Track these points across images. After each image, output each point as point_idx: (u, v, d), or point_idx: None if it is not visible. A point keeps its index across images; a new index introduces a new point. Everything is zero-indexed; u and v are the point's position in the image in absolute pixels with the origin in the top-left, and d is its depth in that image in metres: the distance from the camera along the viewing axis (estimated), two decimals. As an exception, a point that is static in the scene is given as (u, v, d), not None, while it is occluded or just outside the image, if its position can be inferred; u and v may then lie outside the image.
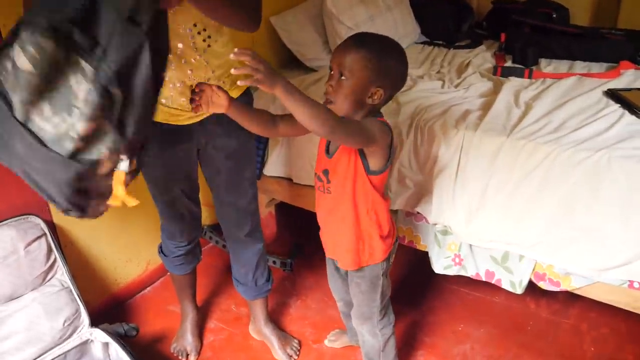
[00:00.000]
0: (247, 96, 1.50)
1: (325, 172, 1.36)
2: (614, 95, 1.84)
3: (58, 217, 1.77)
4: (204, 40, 1.32)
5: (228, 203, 1.63)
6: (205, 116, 1.41)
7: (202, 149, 1.50)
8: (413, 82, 2.11)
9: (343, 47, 1.24)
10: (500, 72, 2.18)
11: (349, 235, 1.39)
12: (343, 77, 1.22)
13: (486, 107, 1.82)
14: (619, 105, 1.77)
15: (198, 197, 1.65)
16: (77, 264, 1.87)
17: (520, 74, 2.13)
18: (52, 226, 1.74)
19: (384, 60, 1.23)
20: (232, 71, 1.05)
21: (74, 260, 1.84)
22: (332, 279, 1.64)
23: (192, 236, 1.71)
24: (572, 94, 1.91)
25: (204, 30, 1.31)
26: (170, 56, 1.23)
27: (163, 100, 1.33)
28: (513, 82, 2.05)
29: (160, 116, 1.37)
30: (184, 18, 1.26)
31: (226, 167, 1.55)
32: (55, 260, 1.67)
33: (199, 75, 1.34)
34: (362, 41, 1.23)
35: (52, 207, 1.74)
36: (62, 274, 1.67)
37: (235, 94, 1.44)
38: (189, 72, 1.32)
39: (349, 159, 1.30)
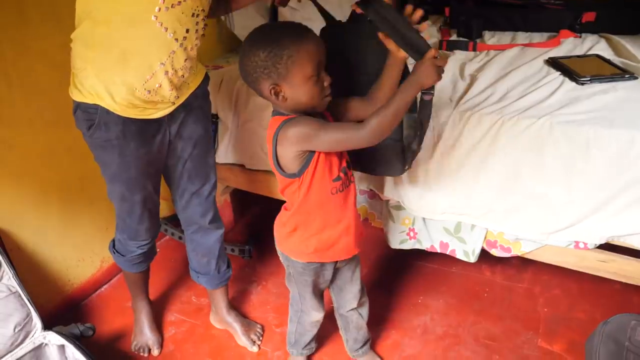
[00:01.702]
0: (207, 80, 1.51)
1: (343, 168, 1.31)
2: (554, 63, 1.89)
3: (1, 221, 1.70)
4: (203, 28, 1.31)
5: (191, 192, 1.60)
6: (177, 106, 1.39)
7: (172, 139, 1.47)
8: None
9: (316, 42, 1.17)
10: (446, 46, 2.21)
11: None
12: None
13: (432, 82, 1.84)
14: (559, 73, 1.82)
15: (159, 190, 1.62)
16: (26, 268, 1.80)
17: (465, 47, 2.16)
18: (-6, 230, 1.68)
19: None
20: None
21: (22, 264, 1.77)
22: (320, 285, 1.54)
23: (154, 232, 1.67)
24: (515, 64, 1.95)
25: (204, 16, 1.30)
26: (175, 43, 1.24)
27: (147, 93, 1.29)
28: (458, 56, 2.08)
29: (136, 112, 1.32)
30: (196, 3, 1.24)
31: (193, 155, 1.52)
32: (0, 266, 1.60)
33: (184, 64, 1.32)
34: (306, 29, 1.17)
35: (-7, 210, 1.67)
36: (8, 278, 1.61)
37: (199, 79, 1.45)
38: (184, 61, 1.30)
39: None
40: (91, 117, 1.31)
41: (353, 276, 1.52)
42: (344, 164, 1.30)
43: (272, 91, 1.18)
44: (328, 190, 1.28)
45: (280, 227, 1.41)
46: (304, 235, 1.35)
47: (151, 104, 1.33)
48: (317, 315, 1.58)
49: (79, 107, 1.33)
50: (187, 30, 1.25)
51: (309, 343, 1.68)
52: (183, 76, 1.33)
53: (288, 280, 1.54)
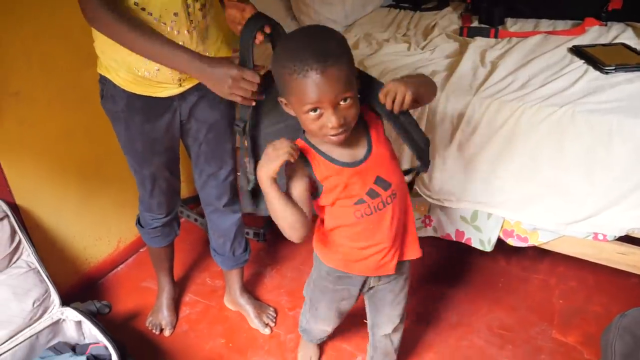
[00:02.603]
0: None
1: (379, 180, 1.17)
2: (578, 51, 1.85)
3: (21, 199, 1.73)
4: (200, 10, 1.29)
5: (208, 174, 1.61)
6: (187, 88, 1.38)
7: (185, 120, 1.47)
8: (379, 45, 2.09)
9: (322, 78, 1.00)
10: (467, 33, 2.17)
11: (412, 218, 1.30)
12: (348, 100, 1.04)
13: (452, 68, 1.82)
14: (583, 61, 1.78)
15: (178, 170, 1.63)
16: (45, 246, 1.83)
17: (486, 34, 2.13)
18: (14, 208, 1.70)
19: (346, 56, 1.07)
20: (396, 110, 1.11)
21: (41, 242, 1.80)
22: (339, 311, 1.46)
23: (169, 209, 1.69)
24: (538, 52, 1.92)
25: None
26: (171, 25, 1.24)
27: (146, 74, 1.29)
28: (479, 42, 2.04)
29: (141, 89, 1.33)
30: None
31: (208, 139, 1.53)
32: (20, 242, 1.63)
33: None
34: (326, 55, 1.00)
35: (14, 188, 1.69)
36: (28, 255, 1.64)
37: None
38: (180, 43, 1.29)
39: (383, 140, 1.18)
40: (102, 87, 1.38)
41: (395, 299, 1.40)
42: (373, 186, 1.17)
43: (283, 101, 1.11)
44: (351, 214, 1.18)
45: (319, 225, 1.30)
46: (337, 241, 1.26)
47: (155, 82, 1.33)
48: (325, 327, 1.51)
49: (99, 77, 1.39)
50: (176, 14, 1.24)
51: (320, 338, 1.63)
52: None
53: (307, 285, 1.46)
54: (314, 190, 1.17)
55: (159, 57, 1.19)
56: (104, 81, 1.37)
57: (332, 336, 1.67)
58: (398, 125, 1.15)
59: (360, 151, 1.15)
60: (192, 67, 1.18)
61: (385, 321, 1.45)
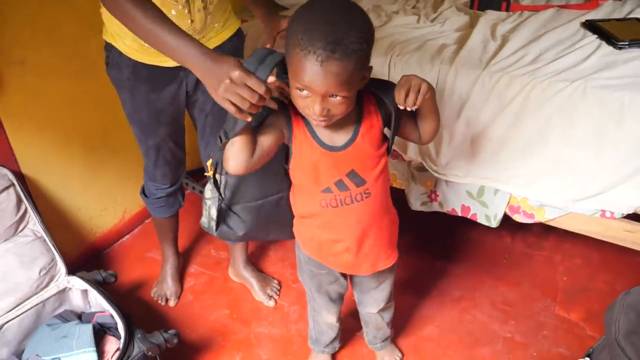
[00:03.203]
0: (238, 37, 1.46)
1: (352, 174, 1.12)
2: (591, 26, 1.81)
3: (26, 168, 1.72)
4: None
5: (214, 144, 1.60)
6: None
7: (191, 92, 1.46)
8: (388, 17, 2.05)
9: (321, 68, 0.93)
10: (477, 6, 2.12)
11: (391, 228, 1.27)
12: (338, 97, 0.99)
13: (462, 41, 1.79)
14: (596, 36, 1.75)
15: (183, 141, 1.62)
16: (51, 215, 1.84)
17: (497, 7, 2.08)
18: (20, 177, 1.70)
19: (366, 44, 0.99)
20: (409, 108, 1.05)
21: (47, 212, 1.81)
22: (335, 304, 1.47)
23: (174, 180, 1.70)
24: (550, 26, 1.88)
25: None
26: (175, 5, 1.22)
27: None
28: (490, 16, 2.00)
29: (147, 58, 1.32)
30: None
31: (214, 111, 1.51)
32: (26, 211, 1.63)
33: (198, 19, 1.29)
34: (336, 45, 0.92)
35: (19, 157, 1.69)
36: (34, 224, 1.64)
37: (227, 34, 1.40)
38: (189, 22, 1.28)
39: (373, 137, 1.13)
40: (108, 55, 1.37)
41: (379, 287, 1.40)
42: (344, 178, 1.12)
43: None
44: (317, 202, 1.15)
45: (292, 207, 1.27)
46: (309, 230, 1.25)
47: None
48: (330, 318, 1.49)
49: (104, 44, 1.38)
50: None
51: (330, 343, 1.59)
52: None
53: (299, 271, 1.44)
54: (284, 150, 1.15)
55: (163, 43, 1.05)
56: (109, 48, 1.36)
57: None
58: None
59: (342, 138, 1.11)
60: (192, 57, 1.02)
61: (371, 302, 1.45)
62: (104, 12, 1.31)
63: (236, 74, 0.95)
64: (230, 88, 0.96)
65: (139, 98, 1.40)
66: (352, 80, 0.98)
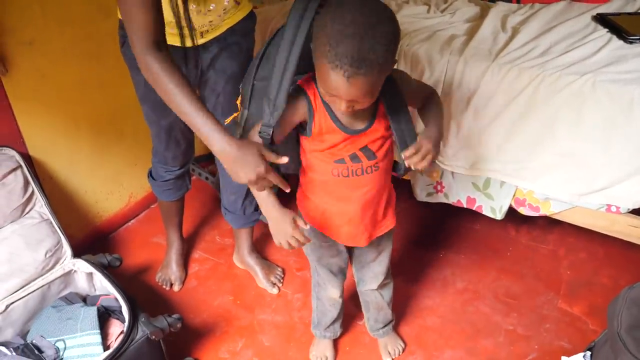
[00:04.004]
0: (251, 19, 1.48)
1: (365, 149, 1.18)
2: (602, 19, 1.80)
3: (34, 150, 1.73)
4: None
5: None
6: (209, 39, 1.38)
7: (204, 71, 1.46)
8: (398, 7, 2.04)
9: (346, 82, 0.96)
10: (488, -3, 2.12)
11: (389, 200, 1.33)
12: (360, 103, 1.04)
13: (472, 32, 1.78)
14: (607, 30, 1.73)
15: None
16: (57, 198, 1.85)
17: (508, -1, 2.07)
18: (27, 158, 1.71)
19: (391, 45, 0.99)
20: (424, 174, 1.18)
21: (54, 194, 1.82)
22: (338, 279, 1.50)
23: (184, 161, 1.71)
24: (561, 18, 1.86)
25: None
26: None
27: (171, 30, 1.27)
28: (501, 7, 1.99)
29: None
30: None
31: (225, 91, 1.52)
32: (33, 192, 1.64)
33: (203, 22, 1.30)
34: (361, 61, 0.94)
35: (27, 138, 1.70)
36: (41, 206, 1.65)
37: (240, 15, 1.42)
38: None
39: (386, 119, 1.17)
40: (124, 34, 1.37)
41: (378, 257, 1.44)
42: (358, 152, 1.18)
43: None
44: (329, 170, 1.20)
45: (301, 183, 1.33)
46: (313, 201, 1.30)
47: (176, 33, 1.31)
48: (334, 292, 1.50)
49: (119, 23, 1.38)
50: None
51: (331, 324, 1.60)
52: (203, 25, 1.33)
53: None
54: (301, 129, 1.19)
55: (188, 121, 1.11)
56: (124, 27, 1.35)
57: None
58: (396, 121, 1.16)
59: (361, 124, 1.16)
60: (217, 143, 1.08)
61: (371, 277, 1.49)
62: None
63: (261, 170, 1.06)
64: (256, 182, 1.08)
65: None
66: (376, 88, 1.02)
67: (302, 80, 1.16)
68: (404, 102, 1.18)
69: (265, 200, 1.19)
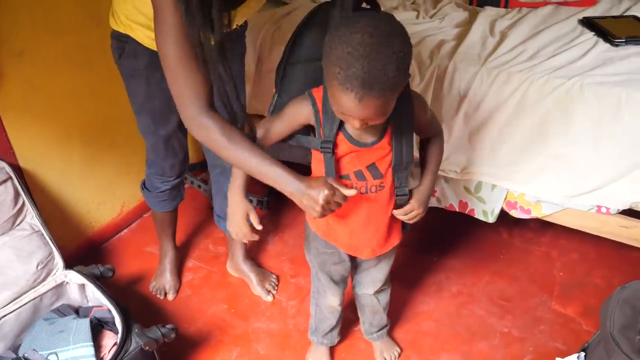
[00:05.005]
0: (244, 24, 1.49)
1: (372, 167, 1.17)
2: (589, 23, 1.82)
3: (24, 161, 1.72)
4: None
5: None
6: None
7: None
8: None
9: (358, 104, 0.96)
10: (476, 2, 2.13)
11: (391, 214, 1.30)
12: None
13: (461, 37, 1.79)
14: (593, 33, 1.76)
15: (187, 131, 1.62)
16: (49, 209, 1.83)
17: (496, 3, 2.09)
18: (18, 170, 1.69)
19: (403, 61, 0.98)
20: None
21: (45, 205, 1.80)
22: (339, 287, 1.49)
23: (180, 171, 1.70)
24: (548, 22, 1.89)
25: None
26: None
27: None
28: (489, 12, 2.01)
29: None
30: None
31: None
32: (23, 204, 1.63)
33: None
34: (373, 83, 0.93)
35: (17, 150, 1.69)
36: (31, 217, 1.64)
37: (239, 20, 1.41)
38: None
39: (388, 139, 1.17)
40: (122, 45, 1.36)
41: (378, 265, 1.44)
42: (364, 170, 1.17)
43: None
44: None
45: None
46: None
47: None
48: (334, 300, 1.49)
49: (113, 35, 1.37)
50: None
51: (329, 332, 1.59)
52: None
53: (306, 249, 1.46)
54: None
55: (255, 172, 1.12)
56: (124, 39, 1.35)
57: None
58: (398, 141, 1.17)
59: (370, 136, 1.15)
60: (289, 185, 1.11)
61: (369, 281, 1.48)
62: (118, 2, 1.31)
63: (327, 194, 1.08)
64: (324, 207, 1.10)
65: (154, 85, 1.40)
66: (390, 106, 1.01)
67: (314, 89, 1.15)
68: (412, 125, 1.17)
69: (232, 183, 1.20)
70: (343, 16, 1.01)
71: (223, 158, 1.13)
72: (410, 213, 1.25)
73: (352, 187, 1.17)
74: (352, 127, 1.06)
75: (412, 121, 1.16)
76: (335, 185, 1.10)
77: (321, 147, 1.15)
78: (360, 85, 0.93)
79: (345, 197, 1.11)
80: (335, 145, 1.15)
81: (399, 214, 1.24)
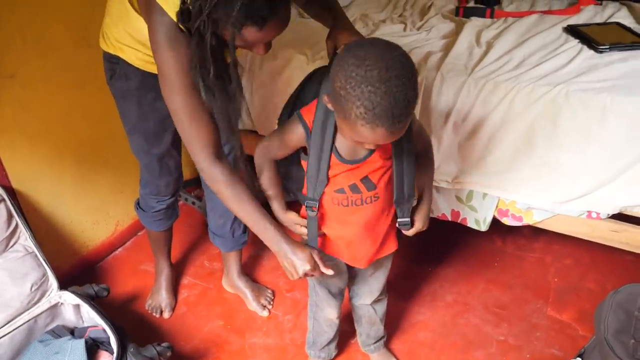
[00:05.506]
0: None
1: (366, 179, 1.18)
2: (573, 31, 1.85)
3: (17, 182, 1.72)
4: None
5: None
6: None
7: None
8: (375, 26, 2.07)
9: (374, 135, 0.96)
10: (462, 13, 2.16)
11: (391, 223, 1.30)
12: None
13: (448, 48, 1.81)
14: (578, 40, 1.78)
15: (181, 147, 1.62)
16: (43, 229, 1.84)
17: (482, 14, 2.12)
18: (11, 192, 1.70)
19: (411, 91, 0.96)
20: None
21: (39, 226, 1.80)
22: (336, 298, 1.49)
23: (175, 189, 1.71)
24: (533, 31, 1.91)
25: None
26: None
27: None
28: (475, 22, 2.03)
29: (152, 67, 1.29)
30: None
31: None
32: (17, 226, 1.63)
33: None
34: (393, 117, 0.93)
35: (10, 171, 1.69)
36: (25, 239, 1.64)
37: None
38: None
39: (386, 147, 1.15)
40: (113, 67, 1.37)
41: (375, 274, 1.45)
42: (358, 183, 1.18)
43: (326, 100, 1.03)
44: (329, 200, 1.21)
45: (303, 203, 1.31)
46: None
47: None
48: (331, 313, 1.50)
49: (104, 56, 1.39)
50: None
51: (326, 345, 1.59)
52: None
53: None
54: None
55: (250, 225, 1.22)
56: (115, 60, 1.35)
57: None
58: (398, 158, 1.17)
59: (360, 153, 1.15)
60: (275, 245, 1.21)
61: (366, 291, 1.49)
62: (109, 25, 1.31)
63: (308, 268, 1.18)
64: (300, 276, 1.20)
65: (146, 106, 1.41)
66: (400, 133, 1.00)
67: (304, 109, 1.15)
68: (410, 139, 1.16)
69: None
70: (339, 56, 1.00)
71: (227, 207, 1.21)
72: (413, 230, 1.31)
73: (347, 200, 1.20)
74: (365, 147, 1.08)
75: (410, 136, 1.14)
76: (317, 261, 1.20)
77: (306, 205, 1.22)
78: (390, 121, 0.93)
79: (321, 273, 1.21)
80: (321, 196, 1.20)
81: (410, 234, 1.30)
